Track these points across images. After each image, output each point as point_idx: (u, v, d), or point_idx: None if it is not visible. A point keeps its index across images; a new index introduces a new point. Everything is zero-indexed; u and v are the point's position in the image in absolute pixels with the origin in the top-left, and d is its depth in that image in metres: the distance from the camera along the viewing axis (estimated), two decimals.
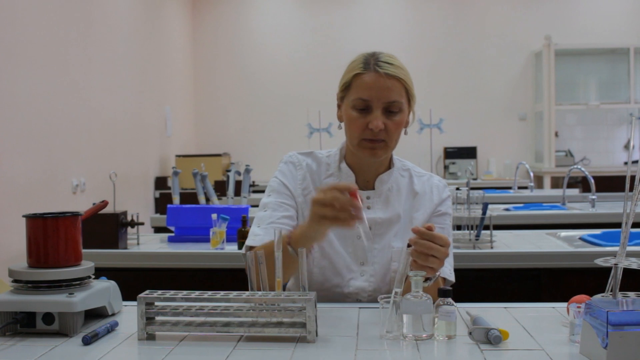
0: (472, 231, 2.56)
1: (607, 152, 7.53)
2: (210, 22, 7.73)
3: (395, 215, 1.71)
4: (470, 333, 1.28)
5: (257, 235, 1.65)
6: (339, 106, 1.72)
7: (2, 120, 3.65)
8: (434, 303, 1.32)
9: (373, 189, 1.73)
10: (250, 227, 2.63)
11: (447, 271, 1.68)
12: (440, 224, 1.73)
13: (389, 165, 1.76)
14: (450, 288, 1.33)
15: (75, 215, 1.44)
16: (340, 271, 1.68)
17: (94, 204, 1.83)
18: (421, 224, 1.71)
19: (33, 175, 3.96)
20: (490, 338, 1.25)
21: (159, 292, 1.35)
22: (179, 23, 7.23)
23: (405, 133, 1.71)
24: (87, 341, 1.29)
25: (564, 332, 1.34)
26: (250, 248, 1.64)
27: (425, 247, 1.40)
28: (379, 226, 1.69)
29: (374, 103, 1.61)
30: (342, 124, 1.71)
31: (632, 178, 1.27)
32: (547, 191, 6.06)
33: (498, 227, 2.83)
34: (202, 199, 3.14)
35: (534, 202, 4.24)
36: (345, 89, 1.67)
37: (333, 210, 1.40)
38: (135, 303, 1.34)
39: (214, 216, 2.63)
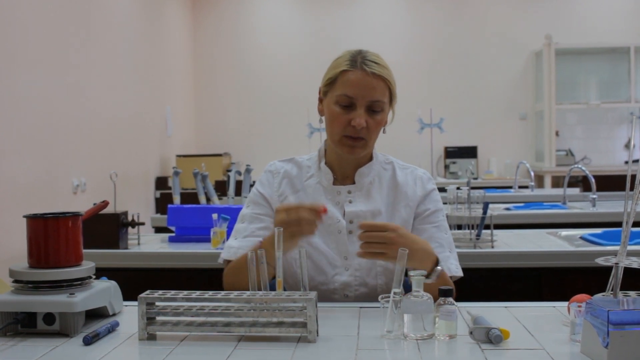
0: (472, 231, 2.56)
1: (608, 152, 7.53)
2: (211, 22, 7.73)
3: (377, 208, 1.71)
4: (471, 332, 1.28)
5: (232, 248, 1.71)
6: (320, 100, 1.75)
7: (2, 120, 3.65)
8: (434, 302, 1.32)
9: (353, 182, 1.74)
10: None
11: (454, 267, 1.69)
12: (433, 222, 1.73)
13: (369, 158, 1.77)
14: (451, 287, 1.33)
15: (75, 215, 1.44)
16: (324, 268, 1.69)
17: (94, 204, 1.82)
18: (405, 218, 1.71)
19: (33, 175, 3.96)
20: (491, 337, 1.25)
21: (160, 292, 1.35)
22: (179, 23, 7.23)
23: (384, 132, 1.74)
24: (88, 341, 1.29)
25: (564, 331, 1.34)
26: (228, 262, 1.71)
27: (380, 238, 1.47)
28: (362, 219, 1.69)
29: (358, 101, 1.64)
30: (323, 118, 1.73)
31: (633, 177, 1.27)
32: (548, 190, 6.05)
33: (499, 227, 2.83)
34: (202, 198, 3.14)
35: (535, 202, 4.24)
36: (330, 83, 1.69)
37: (298, 227, 1.48)
38: (136, 303, 1.34)
39: (215, 216, 2.63)
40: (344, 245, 1.69)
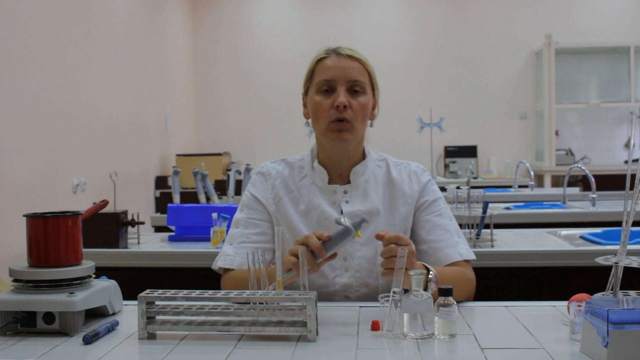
0: (472, 230, 2.56)
1: (608, 151, 7.53)
2: (211, 22, 7.73)
3: (374, 207, 1.70)
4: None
5: (228, 256, 1.68)
6: (305, 104, 1.75)
7: (2, 120, 3.65)
8: (434, 302, 1.32)
9: (349, 182, 1.72)
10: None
11: (464, 251, 1.67)
12: (435, 212, 1.72)
13: (363, 156, 1.76)
14: (451, 287, 1.32)
15: (75, 214, 1.44)
16: (324, 271, 1.65)
17: (94, 203, 1.83)
18: (404, 215, 1.70)
19: (33, 174, 3.96)
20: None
21: (160, 291, 1.35)
22: (179, 23, 7.23)
23: (371, 125, 1.73)
24: (88, 340, 1.29)
25: (564, 330, 1.34)
26: (224, 270, 1.68)
27: (394, 251, 1.39)
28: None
29: (338, 82, 1.65)
30: (310, 121, 1.73)
31: (633, 177, 1.27)
32: (548, 190, 6.05)
33: (498, 226, 2.83)
34: (202, 198, 3.14)
35: (535, 201, 4.24)
36: (309, 78, 1.72)
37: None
38: (135, 302, 1.34)
39: (215, 215, 2.63)
40: (343, 246, 1.68)
